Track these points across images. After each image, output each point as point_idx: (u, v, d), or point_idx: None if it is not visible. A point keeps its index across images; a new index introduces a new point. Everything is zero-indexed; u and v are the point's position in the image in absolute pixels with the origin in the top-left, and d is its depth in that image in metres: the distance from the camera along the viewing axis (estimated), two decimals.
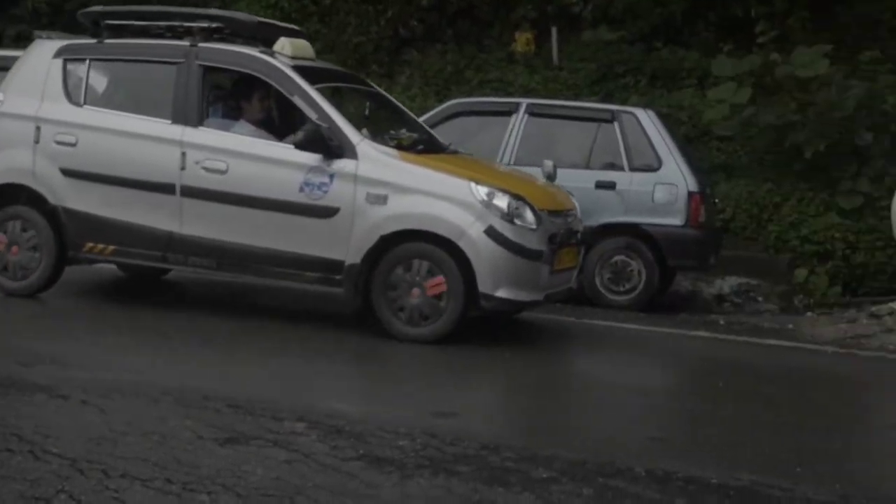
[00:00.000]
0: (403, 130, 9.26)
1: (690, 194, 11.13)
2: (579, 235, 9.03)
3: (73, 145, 9.05)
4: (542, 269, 8.37)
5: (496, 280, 8.17)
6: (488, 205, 8.19)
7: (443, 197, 8.24)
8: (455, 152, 9.29)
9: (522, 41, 17.36)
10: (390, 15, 17.78)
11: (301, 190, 8.41)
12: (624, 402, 7.38)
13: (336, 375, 7.38)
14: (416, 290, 8.27)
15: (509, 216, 8.21)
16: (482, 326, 8.75)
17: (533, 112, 11.73)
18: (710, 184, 12.11)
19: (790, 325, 10.77)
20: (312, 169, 8.40)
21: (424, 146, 9.00)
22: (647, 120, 11.41)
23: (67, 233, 9.06)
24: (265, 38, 9.23)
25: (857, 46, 15.25)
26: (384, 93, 10.34)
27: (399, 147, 8.65)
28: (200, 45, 8.99)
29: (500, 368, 7.99)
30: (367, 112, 9.63)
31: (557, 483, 5.23)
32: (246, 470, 5.16)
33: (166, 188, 8.76)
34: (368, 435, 5.74)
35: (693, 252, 11.22)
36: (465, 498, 5.01)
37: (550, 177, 9.46)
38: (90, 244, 9.03)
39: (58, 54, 9.35)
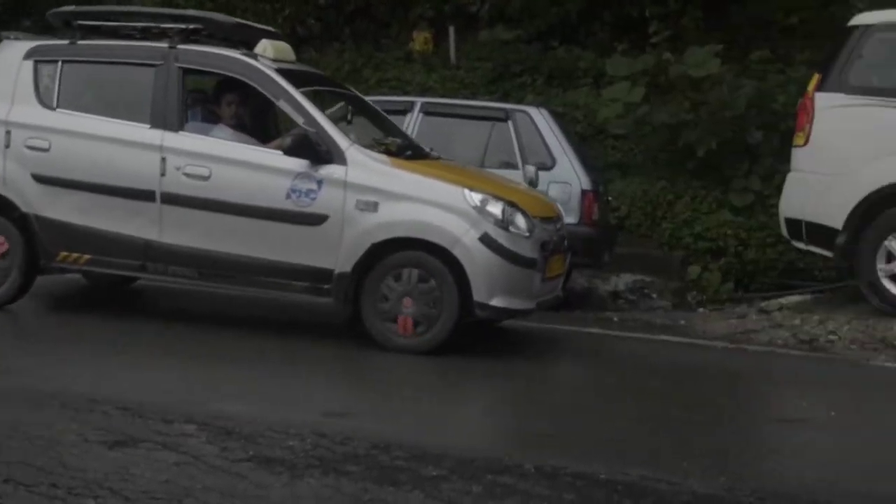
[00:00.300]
0: (384, 135, 9.17)
1: (584, 192, 11.25)
2: (566, 242, 9.01)
3: (46, 150, 8.77)
4: (535, 276, 8.29)
5: (491, 288, 8.07)
6: (482, 211, 8.10)
7: (436, 204, 8.11)
8: (439, 158, 9.15)
9: (420, 40, 17.36)
10: (287, 13, 17.69)
11: (288, 197, 8.22)
12: (514, 398, 7.46)
13: (231, 378, 7.31)
14: (407, 300, 8.15)
15: (504, 223, 8.12)
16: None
17: (427, 111, 11.76)
18: (603, 182, 12.24)
19: (682, 321, 10.95)
20: (299, 175, 8.21)
21: (412, 152, 8.88)
22: (541, 119, 11.51)
23: (40, 241, 8.76)
24: (242, 40, 9.07)
25: (749, 47, 15.41)
26: (363, 97, 10.26)
27: (387, 153, 8.51)
28: (179, 46, 8.75)
29: (390, 366, 7.98)
30: (349, 117, 9.41)
31: (447, 481, 5.26)
32: (134, 473, 5.11)
33: (145, 195, 8.52)
34: (258, 436, 5.71)
35: (587, 250, 11.27)
36: (355, 497, 5.01)
37: (532, 182, 9.39)
38: (64, 253, 8.74)
39: (28, 55, 9.03)
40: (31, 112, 8.88)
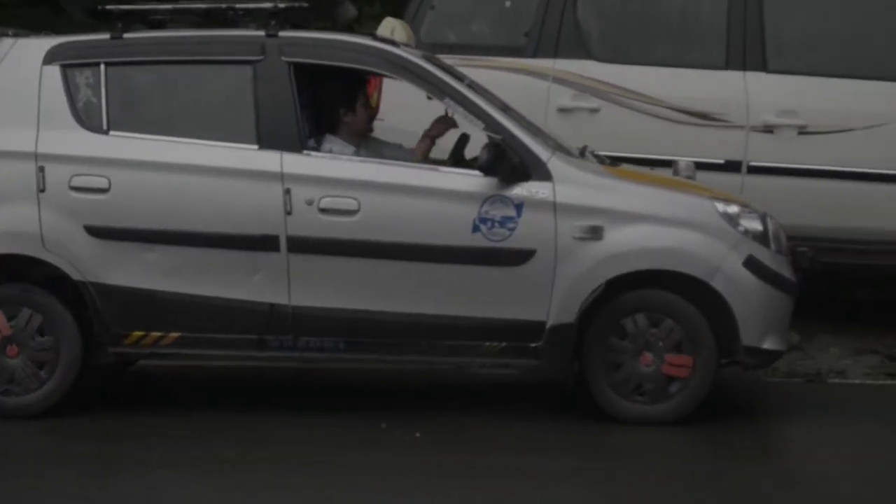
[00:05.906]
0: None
1: None
2: None
3: (104, 191, 6.67)
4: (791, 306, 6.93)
5: (764, 327, 6.64)
6: (740, 228, 6.68)
7: (681, 223, 6.63)
8: (620, 164, 7.47)
9: None
10: None
11: (476, 229, 6.55)
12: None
13: None
14: (647, 356, 6.62)
15: (767, 240, 6.71)
16: None
17: None
18: None
19: None
20: (490, 199, 6.56)
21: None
22: None
23: (101, 320, 6.64)
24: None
25: None
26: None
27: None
28: (282, 34, 6.80)
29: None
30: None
31: None
32: None
33: (265, 242, 6.61)
34: None
35: None
36: None
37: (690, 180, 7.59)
38: (138, 333, 6.68)
39: (50, 59, 6.83)
40: (72, 138, 6.74)
